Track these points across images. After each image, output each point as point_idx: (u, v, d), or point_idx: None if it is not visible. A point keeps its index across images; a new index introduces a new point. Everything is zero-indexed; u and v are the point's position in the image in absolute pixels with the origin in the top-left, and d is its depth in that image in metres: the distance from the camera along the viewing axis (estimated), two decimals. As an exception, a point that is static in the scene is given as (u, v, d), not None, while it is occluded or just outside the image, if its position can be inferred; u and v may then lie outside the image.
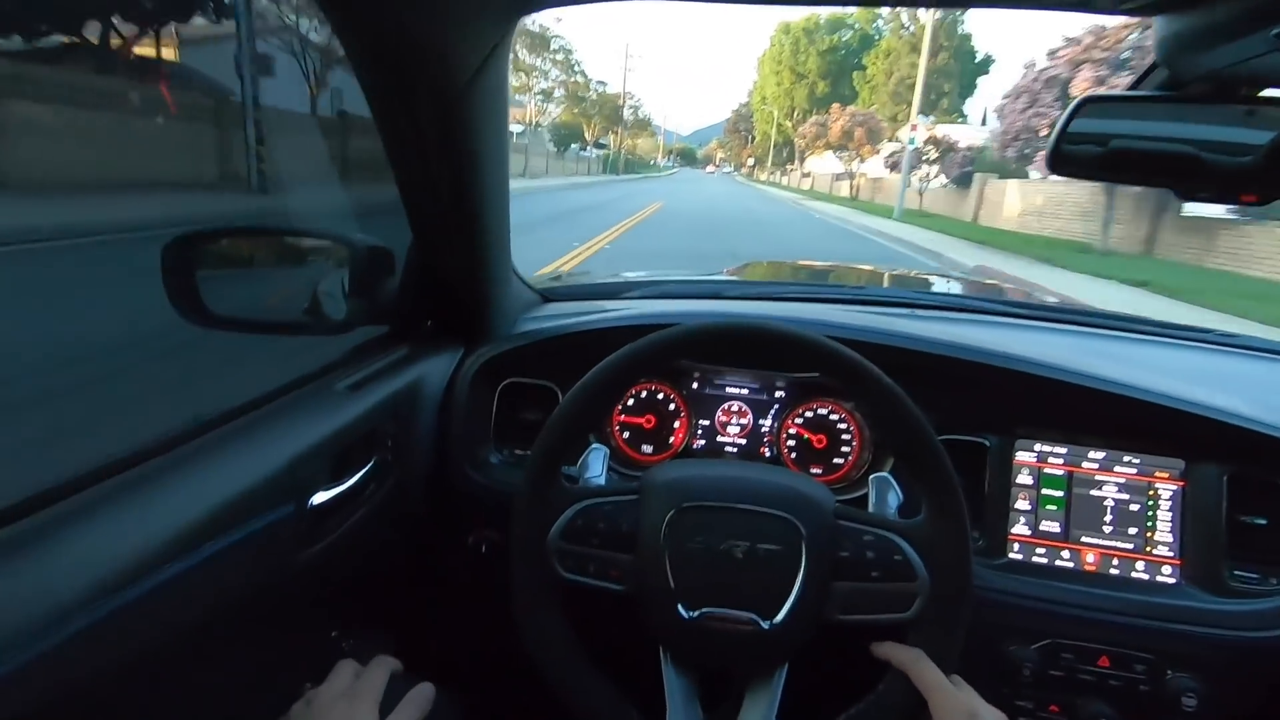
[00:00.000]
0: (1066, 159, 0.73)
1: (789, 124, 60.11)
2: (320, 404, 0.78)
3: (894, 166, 23.40)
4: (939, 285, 1.97)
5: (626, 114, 59.88)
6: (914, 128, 19.43)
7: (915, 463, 0.69)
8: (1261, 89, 0.64)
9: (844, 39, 57.45)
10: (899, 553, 0.67)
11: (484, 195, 0.84)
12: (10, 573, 0.45)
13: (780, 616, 0.66)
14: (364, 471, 0.81)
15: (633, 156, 71.55)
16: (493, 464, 1.00)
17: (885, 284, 1.82)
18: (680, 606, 0.67)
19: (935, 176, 22.28)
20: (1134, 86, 0.72)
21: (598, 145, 54.69)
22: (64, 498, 0.52)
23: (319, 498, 0.73)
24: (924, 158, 21.60)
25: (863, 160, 33.52)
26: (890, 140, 30.34)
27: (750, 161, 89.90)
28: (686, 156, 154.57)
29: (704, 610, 0.67)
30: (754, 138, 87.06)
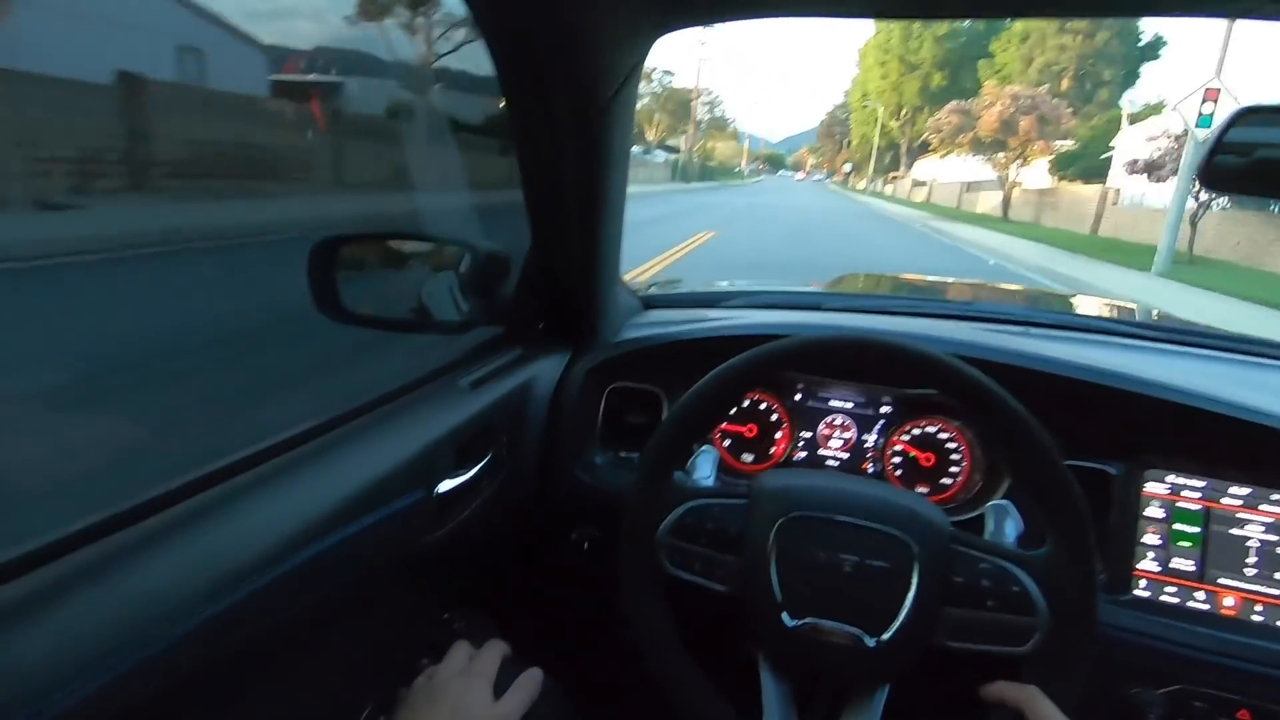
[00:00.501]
0: (1217, 173, 0.69)
1: (894, 124, 51.57)
2: (445, 399, 0.83)
3: (1150, 169, 15.23)
4: (1054, 303, 1.87)
5: (700, 111, 50.63)
6: (1212, 96, 9.57)
7: (1041, 492, 0.66)
8: None
9: (966, 24, 46.44)
10: (1018, 584, 0.65)
11: (607, 205, 0.88)
12: (179, 545, 0.50)
13: (887, 635, 0.65)
14: (482, 464, 0.85)
15: (712, 162, 64.93)
16: (598, 464, 1.04)
17: (995, 299, 1.74)
18: (784, 614, 0.67)
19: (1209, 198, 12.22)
20: None
21: (664, 147, 46.66)
22: (222, 481, 0.58)
23: (444, 485, 0.78)
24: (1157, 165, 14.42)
25: (1026, 162, 23.88)
26: (1063, 139, 22.75)
27: (846, 168, 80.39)
28: (774, 162, 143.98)
29: (808, 620, 0.67)
30: (850, 142, 77.20)
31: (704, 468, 0.85)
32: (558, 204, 0.85)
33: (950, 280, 2.18)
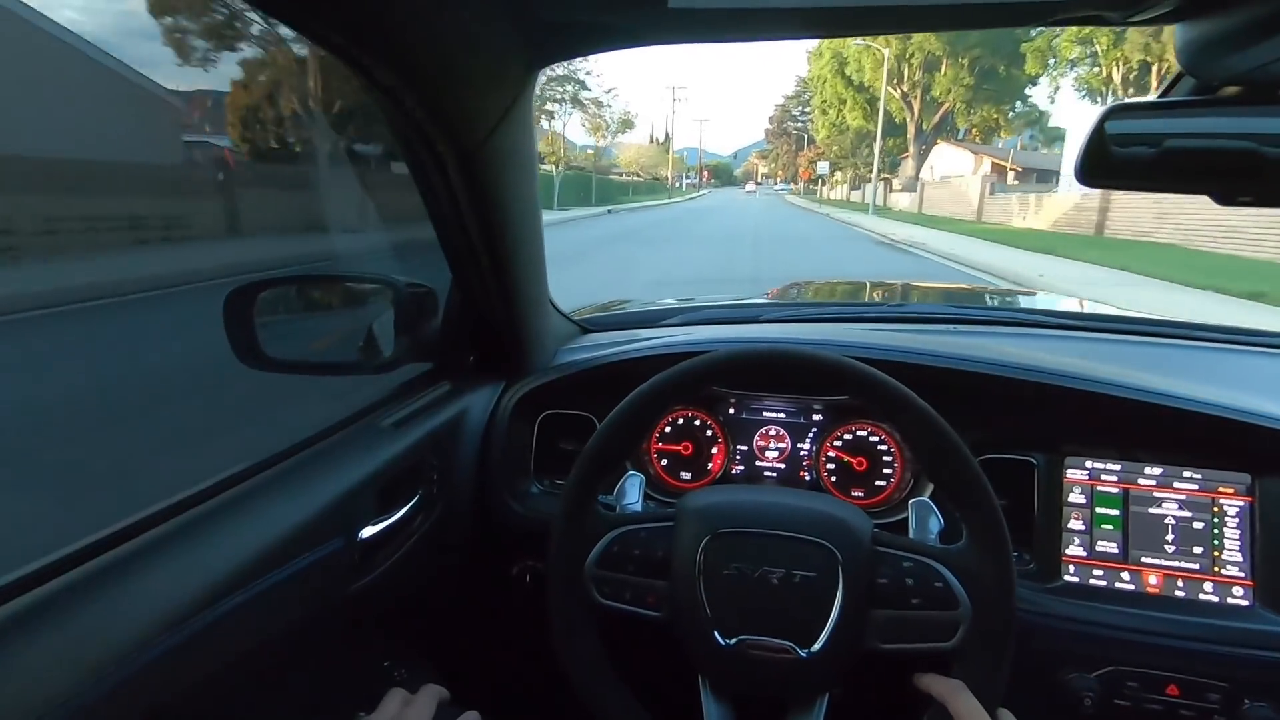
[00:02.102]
0: (1102, 167, 0.72)
1: (893, 94, 31.64)
2: (367, 441, 0.82)
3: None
4: (985, 299, 1.92)
5: (586, 110, 31.83)
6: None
7: (952, 487, 0.68)
8: None
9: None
10: (939, 579, 0.66)
11: (515, 237, 0.88)
12: (77, 614, 0.49)
13: (818, 645, 0.65)
14: (410, 505, 0.84)
15: (629, 176, 52.54)
16: (533, 494, 1.03)
17: (931, 300, 1.78)
18: (716, 633, 0.67)
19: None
20: (1162, 95, 0.70)
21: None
22: (128, 540, 0.56)
23: (367, 531, 0.76)
24: None
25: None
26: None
27: (821, 168, 54.17)
28: (722, 175, 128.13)
29: (740, 638, 0.67)
30: (812, 135, 57.72)
31: (630, 494, 0.85)
32: (464, 240, 0.84)
33: (890, 282, 2.23)
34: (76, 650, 0.46)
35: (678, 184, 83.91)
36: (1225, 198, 0.70)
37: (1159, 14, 0.57)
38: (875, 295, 1.88)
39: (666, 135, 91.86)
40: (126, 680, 0.48)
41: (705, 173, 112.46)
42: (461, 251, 0.88)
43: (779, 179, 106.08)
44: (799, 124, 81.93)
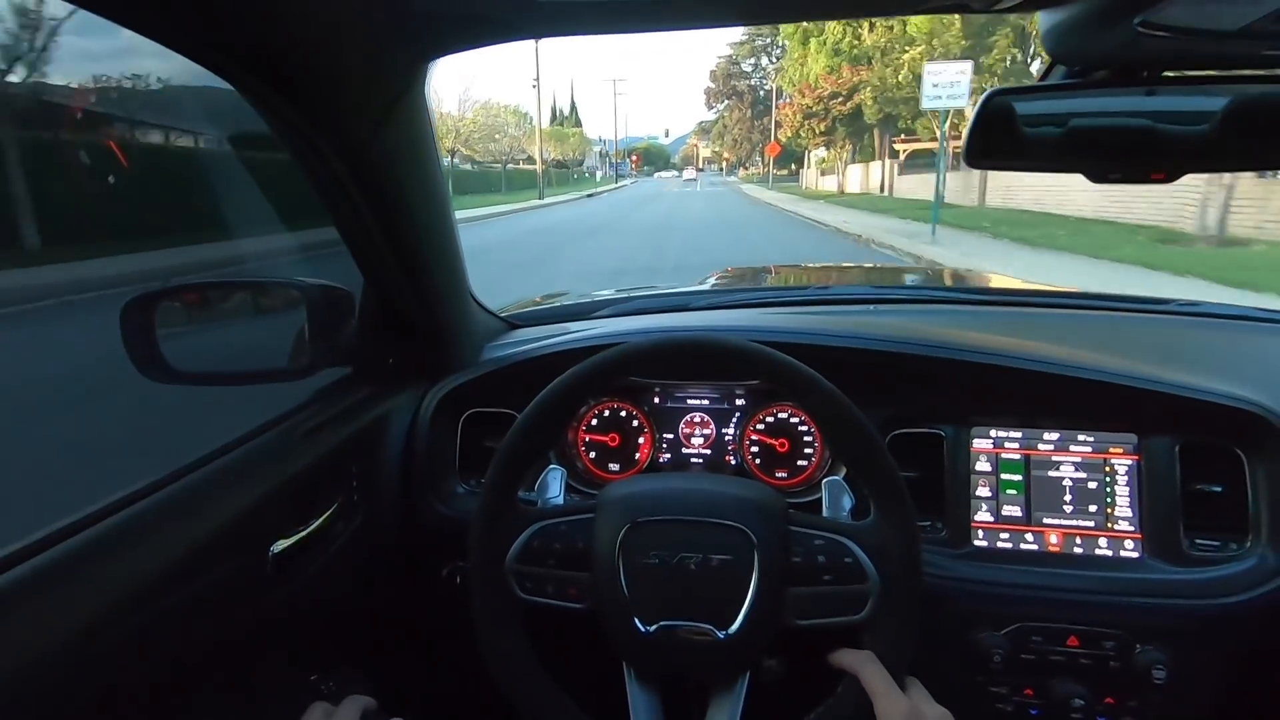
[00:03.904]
0: (984, 147, 0.74)
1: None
2: (280, 450, 0.79)
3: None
4: (904, 278, 1.99)
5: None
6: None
7: (858, 463, 0.70)
8: (1158, 70, 0.66)
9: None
10: (849, 555, 0.68)
11: (422, 233, 0.86)
12: None
13: (735, 626, 0.67)
14: (328, 513, 0.82)
15: (494, 165, 37.54)
16: (458, 495, 1.02)
17: (853, 282, 1.84)
18: (637, 621, 0.68)
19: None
20: (1041, 80, 0.74)
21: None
22: (26, 559, 0.53)
23: (283, 543, 0.74)
24: None
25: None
26: None
27: (817, 154, 38.16)
28: (656, 159, 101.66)
29: (661, 624, 0.68)
30: (774, 93, 43.09)
31: (552, 487, 0.85)
32: (367, 238, 0.83)
33: (818, 266, 2.29)
34: None
35: (590, 172, 65.98)
36: (1095, 174, 0.74)
37: (1016, 3, 0.60)
38: (802, 279, 1.93)
39: (573, 109, 72.54)
40: (36, 694, 0.46)
41: (634, 157, 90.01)
42: (366, 250, 0.86)
43: (726, 162, 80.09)
44: (753, 80, 58.20)
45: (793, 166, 53.25)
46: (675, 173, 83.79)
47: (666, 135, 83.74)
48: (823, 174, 38.05)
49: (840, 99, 26.78)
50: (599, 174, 66.77)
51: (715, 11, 0.64)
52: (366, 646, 0.99)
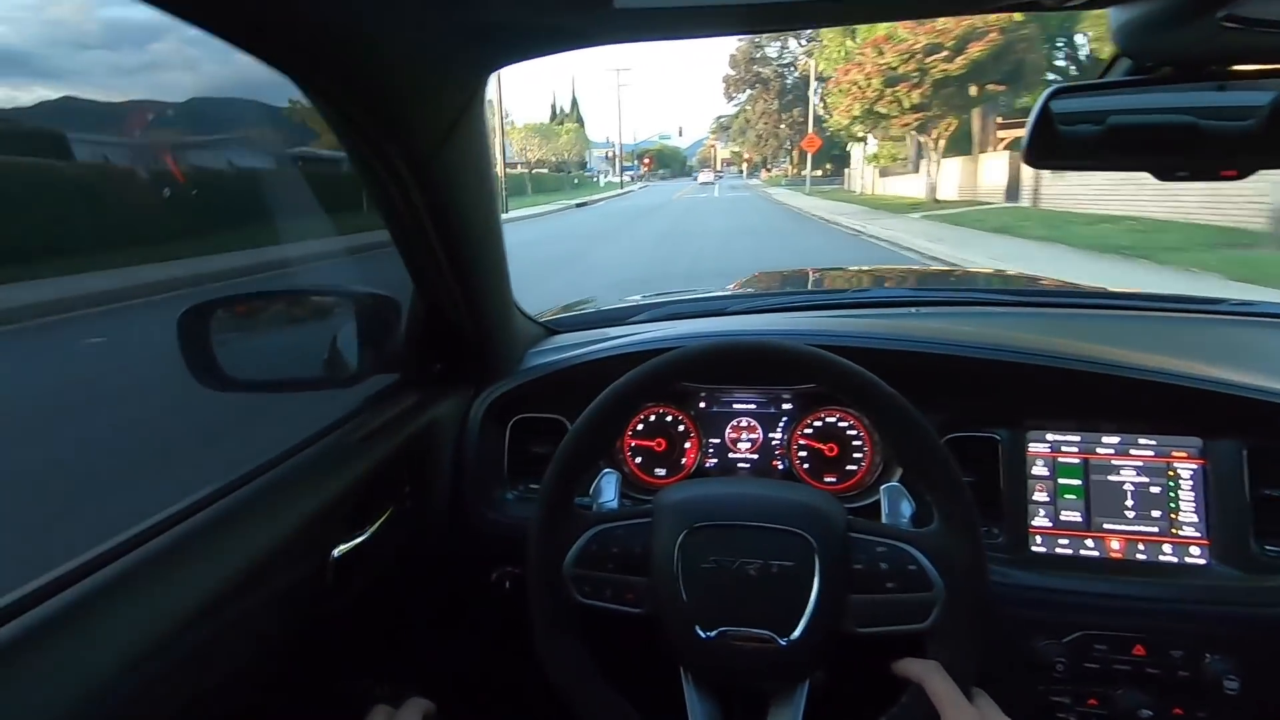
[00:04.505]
0: (1049, 147, 0.73)
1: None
2: (335, 458, 0.80)
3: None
4: (945, 280, 1.96)
5: None
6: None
7: (921, 470, 0.69)
8: (1228, 65, 0.65)
9: None
10: (913, 562, 0.67)
11: (475, 241, 0.87)
12: (51, 647, 0.47)
13: (797, 633, 0.66)
14: (383, 520, 0.83)
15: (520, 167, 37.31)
16: (508, 501, 1.02)
17: (891, 284, 1.82)
18: (697, 627, 0.68)
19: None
20: (1101, 76, 0.72)
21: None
22: (99, 569, 0.54)
23: (340, 549, 0.75)
24: None
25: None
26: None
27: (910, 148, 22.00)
28: (670, 162, 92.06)
29: (721, 630, 0.67)
30: (812, 79, 33.03)
31: (606, 492, 0.85)
32: (423, 245, 0.83)
33: (851, 269, 2.27)
34: (53, 684, 0.45)
35: (596, 176, 59.06)
36: (1162, 172, 0.73)
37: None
38: (837, 282, 1.91)
39: (574, 106, 59.19)
40: (107, 704, 0.47)
41: (645, 160, 78.97)
42: (422, 259, 0.87)
43: (747, 164, 70.65)
44: (781, 65, 48.29)
45: (827, 166, 43.44)
46: (691, 177, 71.83)
47: (680, 134, 73.55)
48: (882, 174, 27.67)
49: (944, 54, 16.25)
50: (604, 178, 56.83)
51: (789, 15, 0.63)
52: (418, 650, 1.00)
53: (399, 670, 0.87)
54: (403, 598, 0.91)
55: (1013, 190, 17.24)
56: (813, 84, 32.35)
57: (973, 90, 16.89)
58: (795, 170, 52.44)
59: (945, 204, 18.57)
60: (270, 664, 0.67)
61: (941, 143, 18.52)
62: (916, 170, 22.86)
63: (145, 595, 0.54)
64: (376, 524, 0.81)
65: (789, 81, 49.54)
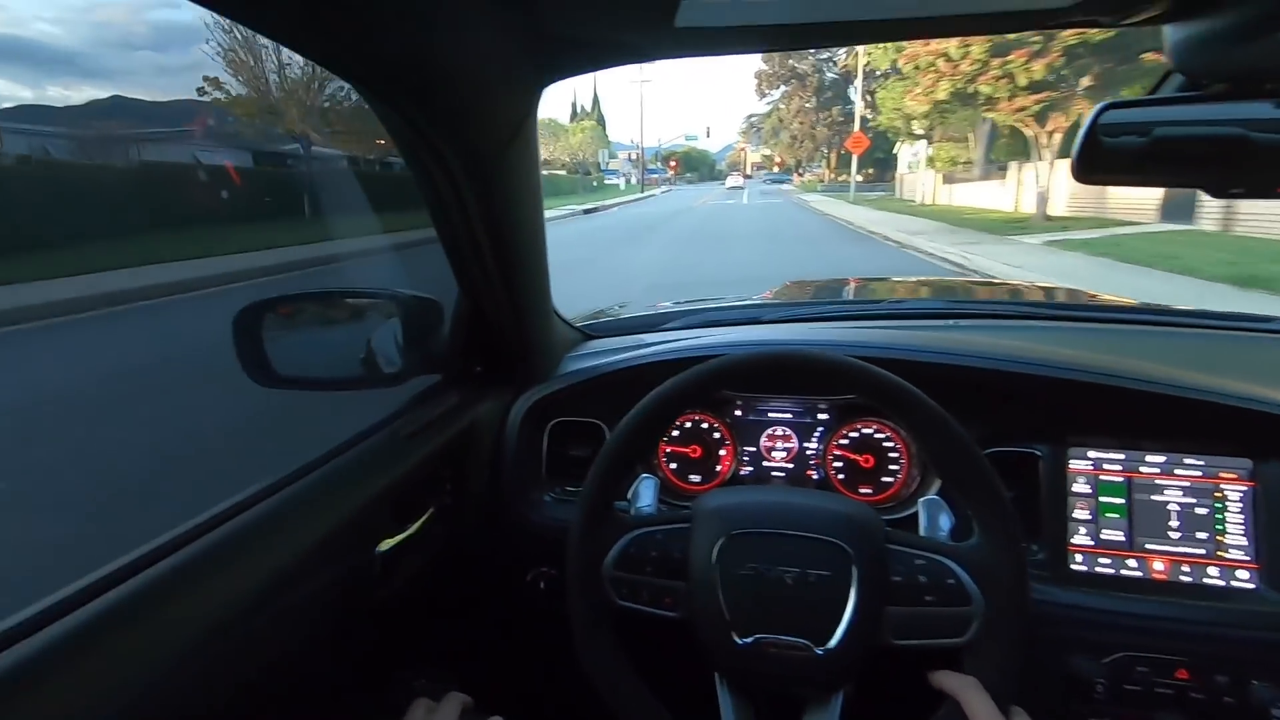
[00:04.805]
0: (1100, 158, 0.73)
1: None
2: (381, 455, 0.83)
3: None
4: (983, 293, 1.94)
5: None
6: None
7: (962, 483, 0.69)
8: None
9: None
10: (952, 576, 0.67)
11: (522, 247, 0.89)
12: (121, 632, 0.50)
13: (833, 642, 0.66)
14: (425, 517, 0.85)
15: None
16: (546, 502, 1.04)
17: (928, 295, 1.80)
18: (733, 633, 0.68)
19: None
20: (1151, 92, 0.71)
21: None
22: (152, 564, 0.57)
23: (386, 543, 0.77)
24: None
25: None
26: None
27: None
28: (697, 166, 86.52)
29: (757, 636, 0.68)
30: (862, 75, 27.72)
31: (645, 496, 0.86)
32: (473, 250, 0.86)
33: (887, 279, 2.25)
34: (118, 671, 0.48)
35: (625, 178, 53.52)
36: (1216, 188, 0.71)
37: (1150, 16, 0.58)
38: (873, 292, 1.90)
39: (595, 104, 54.19)
40: (160, 694, 0.50)
41: (671, 163, 73.64)
42: (470, 262, 0.89)
43: (778, 168, 64.79)
44: (819, 59, 43.94)
45: (869, 171, 38.56)
46: (720, 182, 65.88)
47: (708, 135, 64.59)
48: (947, 180, 22.90)
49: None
50: (625, 180, 51.06)
51: (845, 33, 0.64)
52: (454, 647, 1.02)
53: (438, 665, 0.89)
54: (443, 594, 0.93)
55: (1180, 207, 11.98)
56: (859, 76, 27.74)
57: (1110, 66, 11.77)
58: (833, 174, 46.61)
59: (1062, 222, 13.90)
60: (317, 653, 0.69)
61: (1058, 137, 13.30)
62: (986, 176, 19.68)
63: (203, 586, 0.57)
64: (420, 521, 0.83)
65: (828, 78, 45.30)
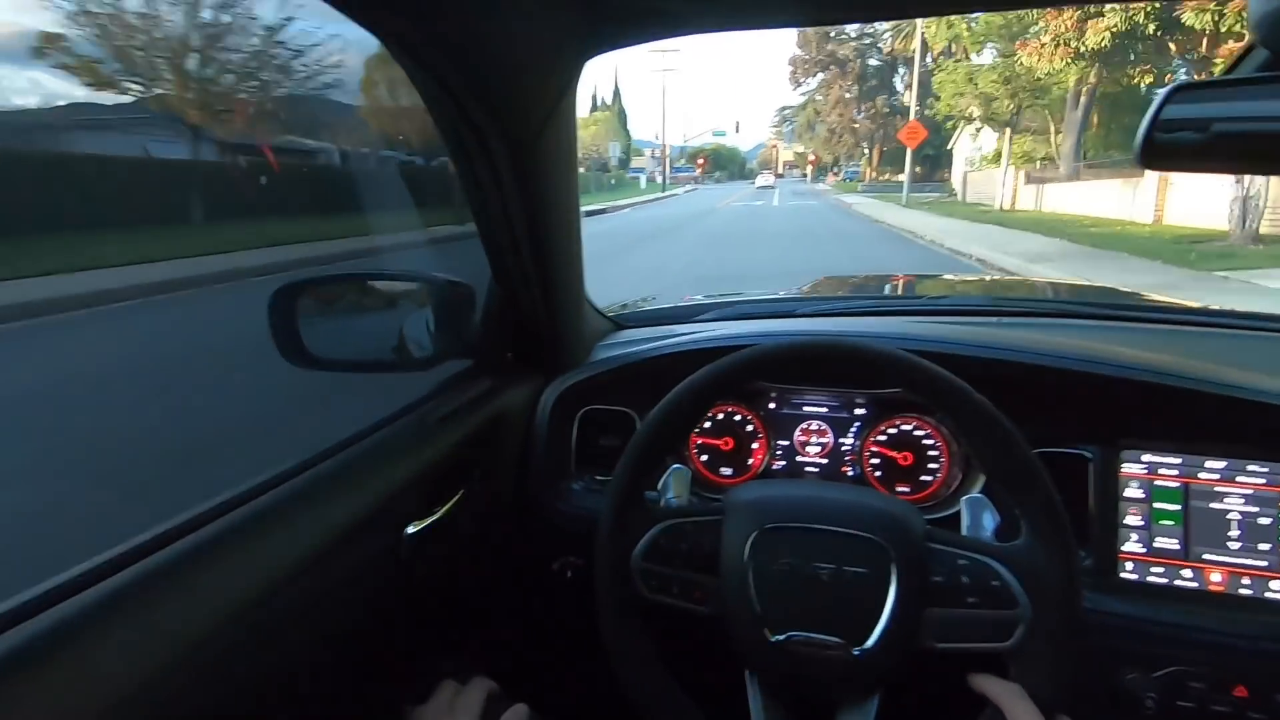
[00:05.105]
0: (1160, 150, 0.69)
1: None
2: (411, 439, 0.82)
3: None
4: (1025, 290, 1.88)
5: None
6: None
7: (1011, 482, 0.66)
8: None
9: None
10: (996, 578, 0.64)
11: (557, 231, 0.87)
12: (150, 603, 0.50)
13: (870, 642, 0.64)
14: (454, 501, 0.84)
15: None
16: (574, 490, 1.03)
17: (964, 293, 1.75)
18: (766, 630, 0.66)
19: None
20: (1230, 70, 0.67)
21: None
22: (191, 532, 0.57)
23: (415, 527, 0.77)
24: None
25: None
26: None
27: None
28: (725, 162, 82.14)
29: (790, 634, 0.66)
30: (881, 71, 30.96)
31: (675, 486, 0.84)
32: (508, 234, 0.84)
33: (924, 276, 2.20)
34: (147, 642, 0.48)
35: (647, 176, 49.56)
36: None
37: None
38: (912, 289, 1.85)
39: (616, 96, 50.12)
40: (190, 671, 0.49)
41: (700, 160, 70.04)
42: (504, 246, 0.88)
43: (811, 166, 59.41)
44: (861, 44, 38.86)
45: (917, 169, 33.47)
46: (749, 181, 61.65)
47: (738, 130, 58.39)
48: (1031, 179, 18.48)
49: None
50: (647, 179, 47.13)
51: (881, 6, 0.61)
52: (479, 632, 1.01)
53: (465, 649, 0.89)
54: (470, 579, 0.93)
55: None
56: (917, 50, 23.09)
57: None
58: (875, 173, 41.19)
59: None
60: (344, 633, 0.69)
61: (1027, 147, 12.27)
62: (1074, 175, 15.65)
63: (224, 565, 0.56)
64: (448, 505, 0.82)
65: (870, 65, 39.27)
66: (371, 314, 1.10)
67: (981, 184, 22.19)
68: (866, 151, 44.18)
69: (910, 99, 26.97)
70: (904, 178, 25.34)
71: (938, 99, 18.23)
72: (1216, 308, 1.35)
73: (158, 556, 0.54)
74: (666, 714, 0.69)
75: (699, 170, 69.18)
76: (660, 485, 0.85)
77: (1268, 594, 0.80)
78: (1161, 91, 0.67)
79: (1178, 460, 0.84)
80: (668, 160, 52.43)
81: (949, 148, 26.76)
